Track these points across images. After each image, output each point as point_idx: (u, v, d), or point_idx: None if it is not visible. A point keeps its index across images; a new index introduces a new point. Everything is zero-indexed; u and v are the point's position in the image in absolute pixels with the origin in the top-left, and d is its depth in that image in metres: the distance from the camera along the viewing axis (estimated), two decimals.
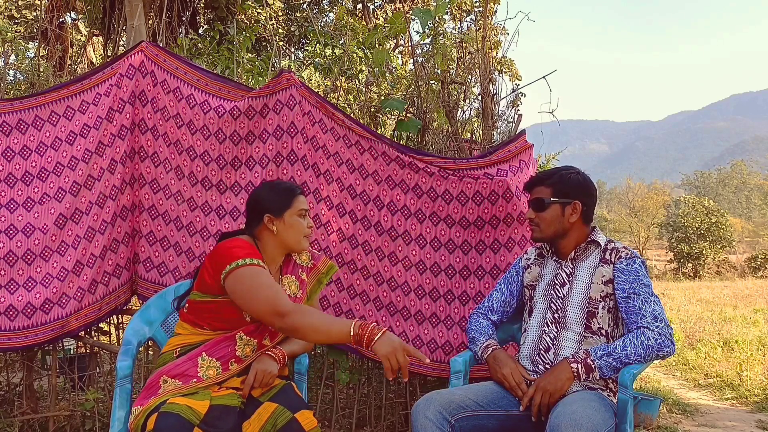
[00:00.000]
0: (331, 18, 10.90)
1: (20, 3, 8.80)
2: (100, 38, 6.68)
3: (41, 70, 4.10)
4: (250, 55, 6.97)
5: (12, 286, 2.61)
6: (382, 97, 3.71)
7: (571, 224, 2.12)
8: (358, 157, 2.83)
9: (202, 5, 7.29)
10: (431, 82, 3.39)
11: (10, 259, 2.61)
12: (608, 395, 2.00)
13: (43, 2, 7.28)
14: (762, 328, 8.52)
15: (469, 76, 3.48)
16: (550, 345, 2.07)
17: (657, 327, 1.93)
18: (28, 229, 2.64)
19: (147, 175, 2.91)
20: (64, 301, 2.65)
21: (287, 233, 1.96)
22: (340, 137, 2.83)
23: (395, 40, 8.73)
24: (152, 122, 2.90)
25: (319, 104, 2.80)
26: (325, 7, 11.20)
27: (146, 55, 2.91)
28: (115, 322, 3.25)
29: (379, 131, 3.44)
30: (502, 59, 4.83)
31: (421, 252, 2.78)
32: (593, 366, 1.93)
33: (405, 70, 6.06)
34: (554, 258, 2.21)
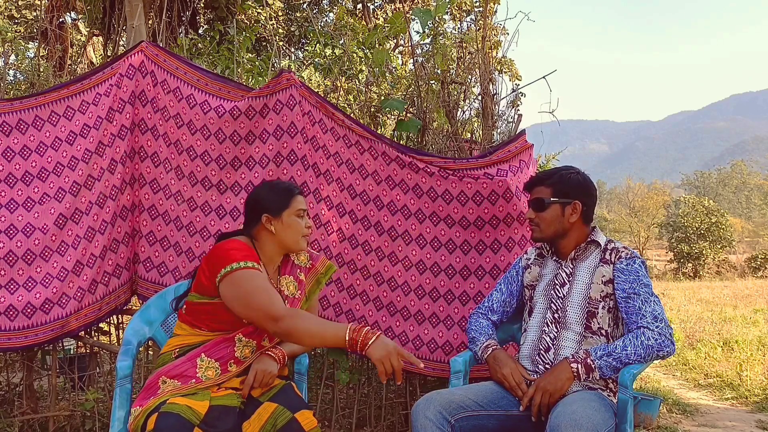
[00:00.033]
0: (331, 18, 10.90)
1: (20, 3, 8.79)
2: (100, 38, 6.68)
3: (41, 70, 4.10)
4: (250, 55, 6.97)
5: (12, 286, 2.61)
6: (382, 97, 3.70)
7: (571, 224, 2.12)
8: (358, 157, 2.83)
9: (202, 5, 7.28)
10: (431, 82, 3.39)
11: (10, 259, 2.61)
12: (608, 395, 2.00)
13: (43, 2, 7.28)
14: (762, 328, 8.52)
15: (469, 76, 3.48)
16: (550, 345, 2.07)
17: (657, 327, 1.93)
18: (28, 229, 2.64)
19: (147, 175, 2.91)
20: (64, 301, 2.65)
21: (285, 233, 1.95)
22: (340, 137, 2.83)
23: (395, 40, 8.73)
24: (152, 122, 2.90)
25: (319, 104, 2.80)
26: (325, 7, 11.19)
27: (146, 55, 2.92)
28: (115, 322, 3.25)
29: (379, 131, 3.44)
30: (502, 59, 4.83)
31: (421, 252, 2.78)
32: (593, 366, 1.93)
33: (405, 70, 6.06)
34: (554, 258, 2.21)
